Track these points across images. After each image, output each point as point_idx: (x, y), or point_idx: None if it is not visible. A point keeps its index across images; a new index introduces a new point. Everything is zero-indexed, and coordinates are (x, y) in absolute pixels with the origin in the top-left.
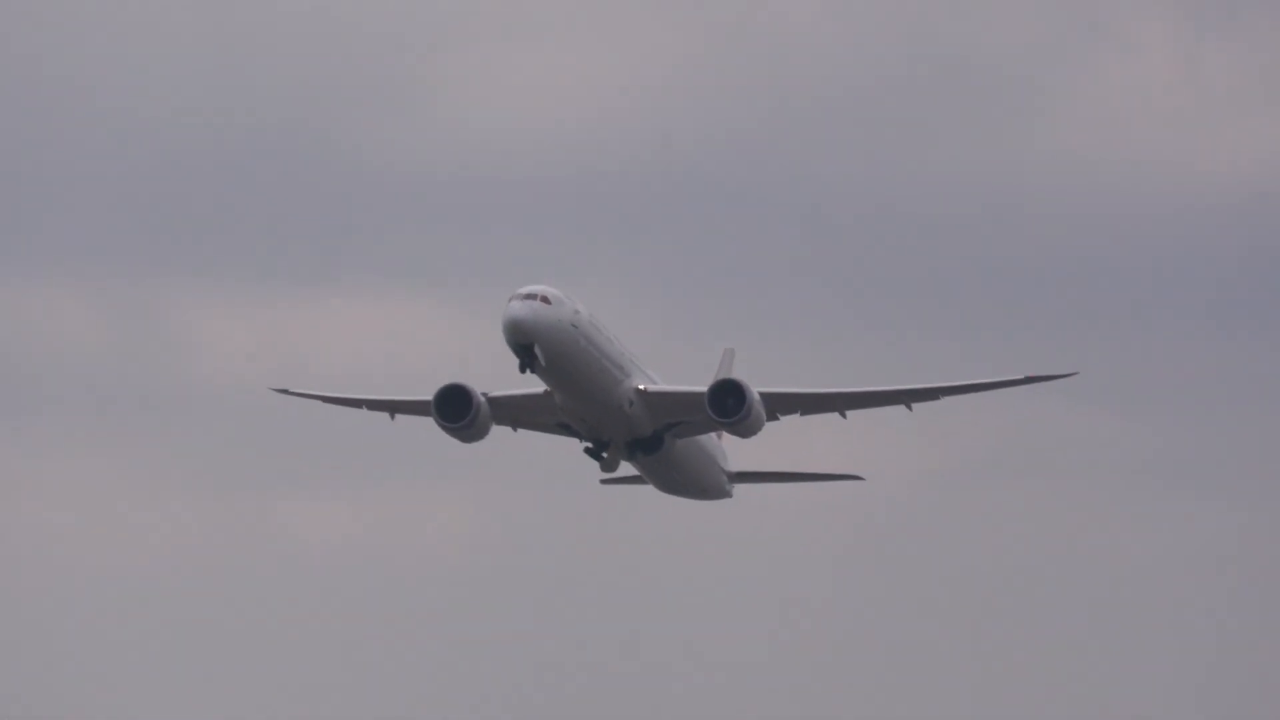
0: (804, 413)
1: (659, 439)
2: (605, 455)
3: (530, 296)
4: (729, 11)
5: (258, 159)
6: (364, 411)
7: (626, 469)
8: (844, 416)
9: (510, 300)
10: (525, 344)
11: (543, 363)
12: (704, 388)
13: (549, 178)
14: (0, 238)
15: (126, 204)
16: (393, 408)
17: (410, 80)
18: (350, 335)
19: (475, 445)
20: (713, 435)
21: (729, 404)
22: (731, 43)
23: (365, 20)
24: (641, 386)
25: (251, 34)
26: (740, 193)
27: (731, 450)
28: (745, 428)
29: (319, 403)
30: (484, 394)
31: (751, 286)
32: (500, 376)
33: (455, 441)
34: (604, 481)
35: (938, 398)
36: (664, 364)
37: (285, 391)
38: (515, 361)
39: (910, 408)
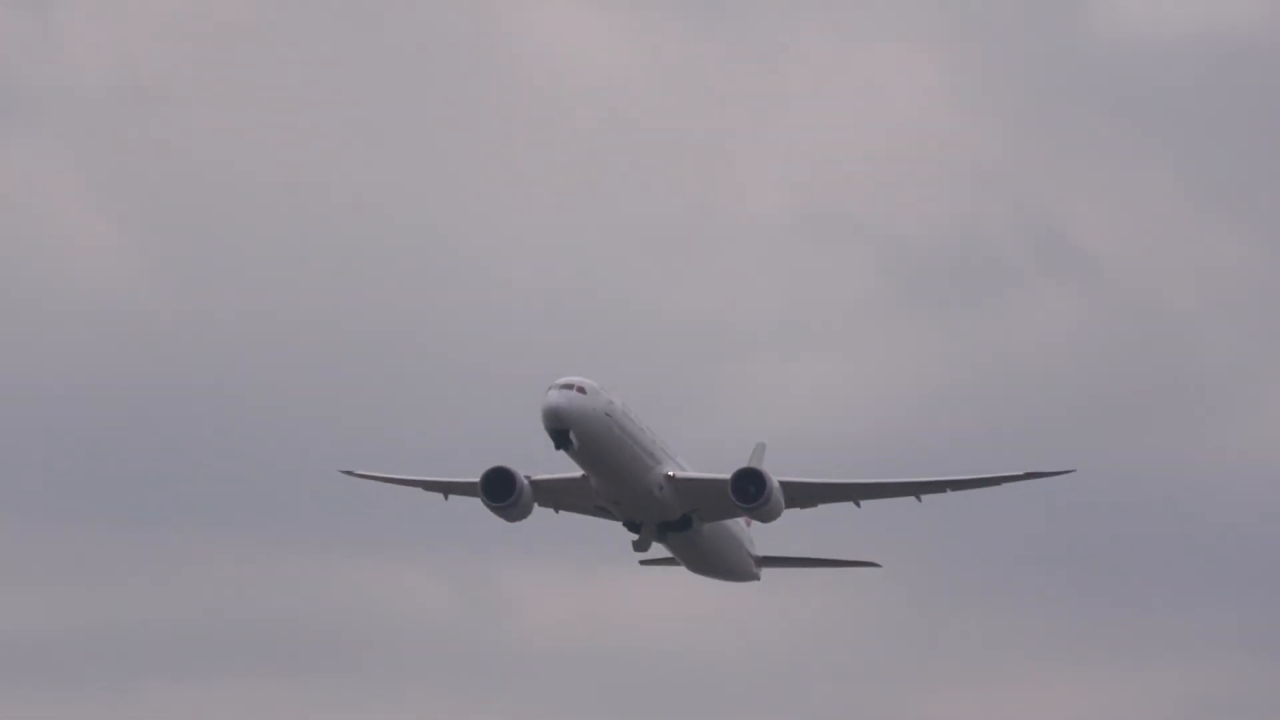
0: (823, 502)
1: (687, 521)
2: (638, 536)
3: (567, 386)
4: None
5: None
6: (420, 491)
7: (662, 551)
8: (858, 506)
9: (549, 390)
10: (561, 430)
11: (576, 446)
12: (728, 475)
13: None
14: None
15: None
16: (446, 488)
17: None
18: None
19: (519, 524)
20: (739, 521)
21: (750, 490)
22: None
23: None
24: (671, 473)
25: None
26: None
27: (761, 537)
28: (765, 513)
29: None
30: (527, 476)
31: None
32: (548, 461)
33: (500, 520)
34: (643, 563)
35: (945, 490)
36: (697, 454)
37: (351, 473)
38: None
39: (920, 499)
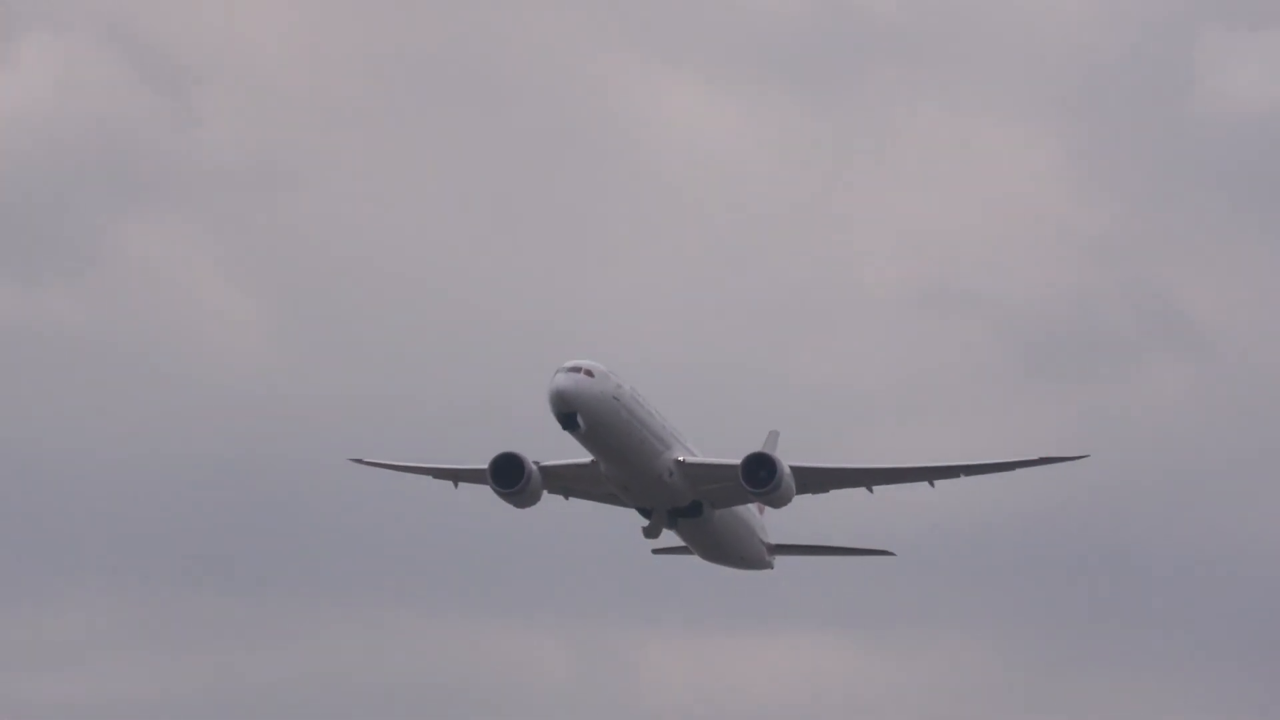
0: (834, 488)
1: (698, 507)
2: (649, 522)
3: (575, 369)
4: None
5: None
6: (430, 479)
7: (675, 540)
8: (870, 491)
9: (556, 373)
10: (568, 413)
11: (583, 429)
12: (738, 460)
13: None
14: None
15: None
16: (455, 476)
17: None
18: None
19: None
20: (751, 508)
21: (761, 475)
22: None
23: None
24: (681, 458)
25: None
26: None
27: (772, 525)
28: (776, 498)
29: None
30: (536, 462)
31: None
32: (560, 448)
33: (509, 507)
34: (655, 552)
35: (958, 475)
36: (711, 442)
37: (360, 461)
38: (568, 438)
39: (933, 484)
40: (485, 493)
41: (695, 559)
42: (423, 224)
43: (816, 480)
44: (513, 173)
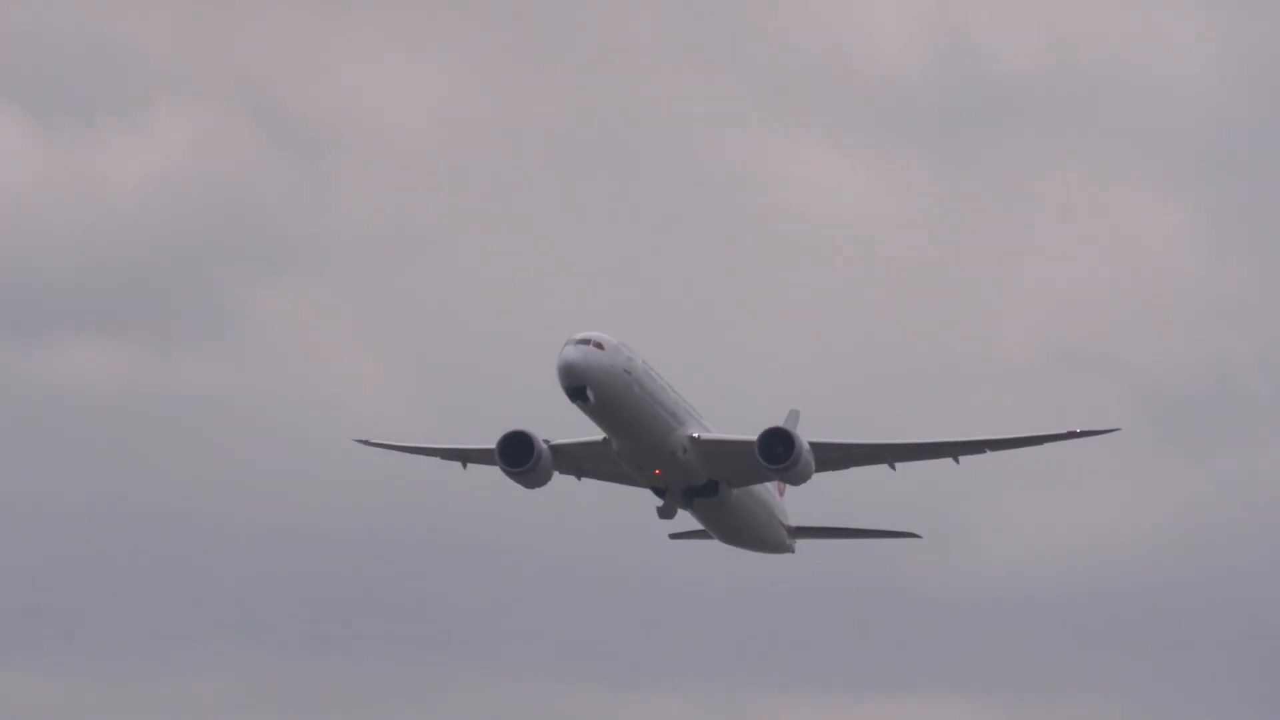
0: (855, 464)
1: (714, 486)
2: (663, 502)
3: (584, 341)
4: None
5: None
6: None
7: (692, 524)
8: (893, 468)
9: (565, 345)
10: (578, 386)
11: (593, 403)
12: (755, 436)
13: None
14: None
15: None
16: (464, 457)
17: None
18: None
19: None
20: (769, 488)
21: (779, 451)
22: None
23: None
24: (695, 434)
25: None
26: None
27: (793, 507)
28: (794, 475)
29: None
30: (546, 441)
31: None
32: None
33: (519, 487)
34: (672, 536)
35: (984, 451)
36: (728, 419)
37: (366, 442)
38: (579, 416)
39: (957, 460)
40: (496, 475)
41: (713, 543)
42: (553, 289)
43: (837, 456)
44: (641, 237)
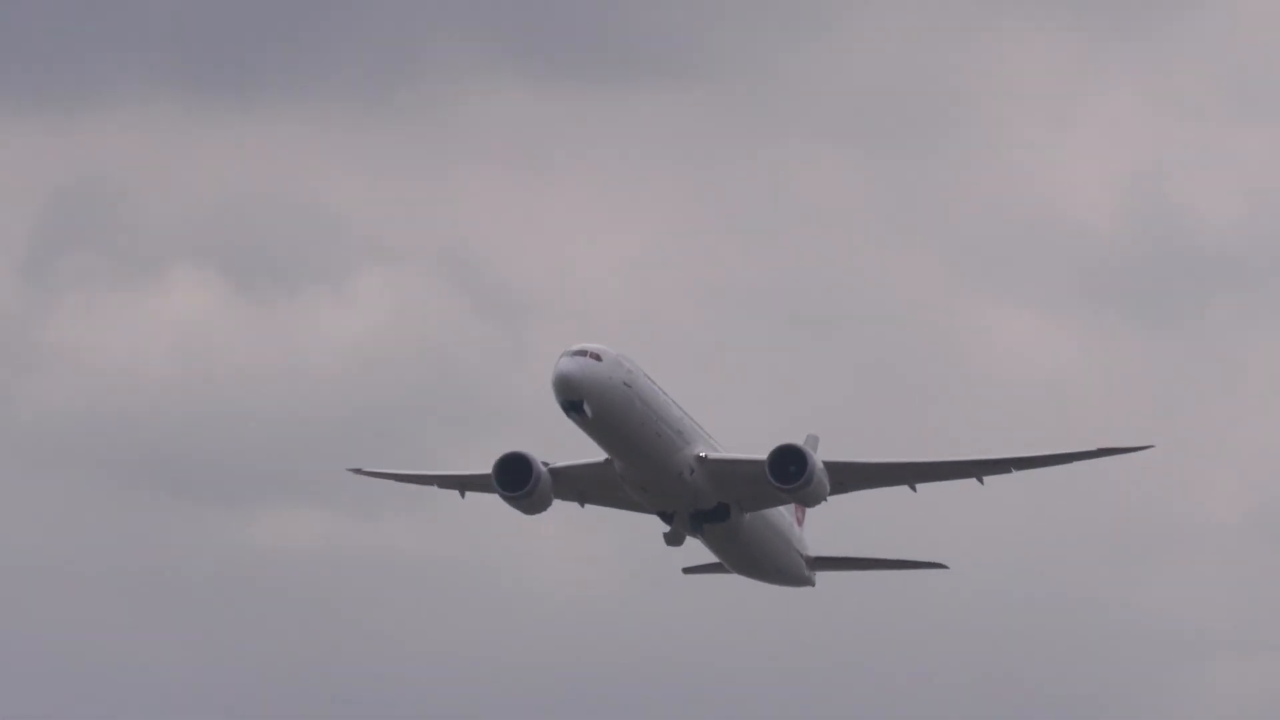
0: (873, 485)
1: (724, 510)
2: (670, 528)
3: (580, 353)
4: None
5: None
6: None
7: (706, 556)
8: (914, 490)
9: (560, 357)
10: (574, 400)
11: (590, 417)
12: (765, 455)
13: None
14: None
15: None
16: (461, 484)
17: None
18: None
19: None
20: (785, 514)
21: (791, 470)
22: None
23: None
24: (703, 453)
25: None
26: None
27: (814, 537)
28: (807, 495)
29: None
30: (545, 463)
31: None
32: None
33: (518, 514)
34: (686, 571)
35: (1010, 470)
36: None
37: (360, 471)
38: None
39: (982, 481)
40: (496, 503)
41: (731, 577)
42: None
43: (853, 476)
44: (840, 400)
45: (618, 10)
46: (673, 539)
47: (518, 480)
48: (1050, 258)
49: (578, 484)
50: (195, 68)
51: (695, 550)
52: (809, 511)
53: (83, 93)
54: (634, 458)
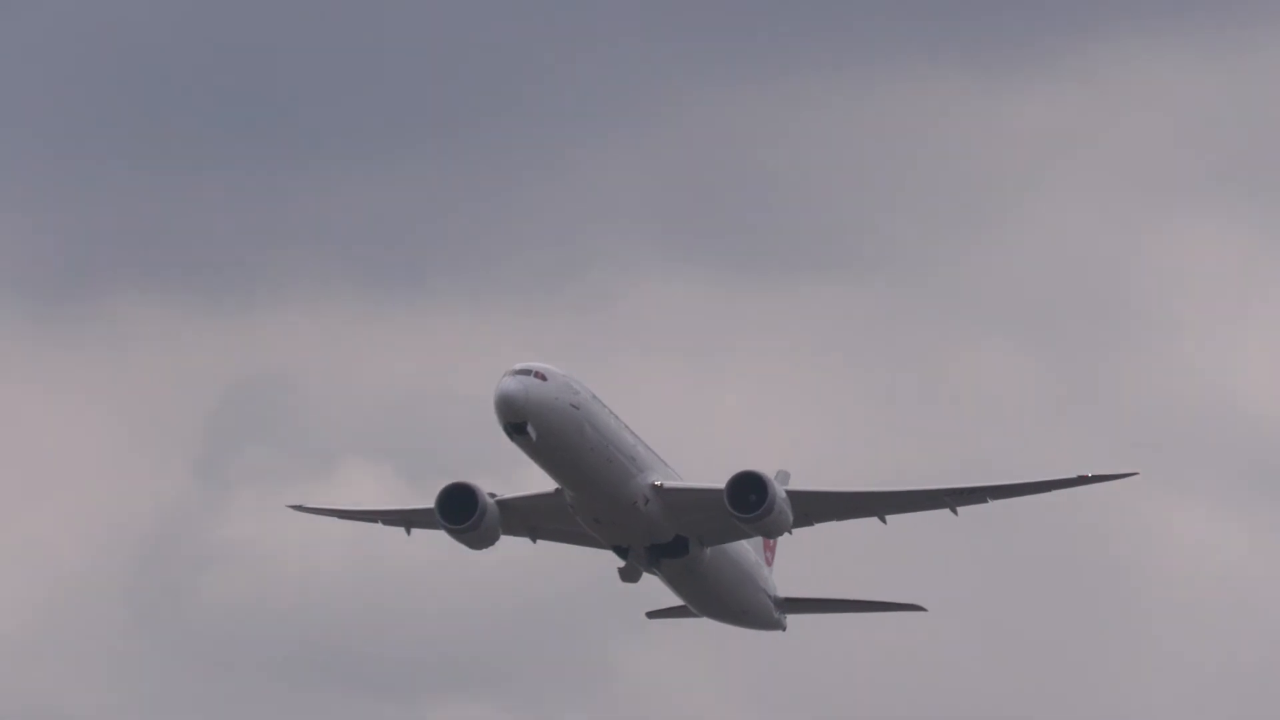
0: (839, 517)
1: (683, 544)
2: (625, 563)
3: (524, 372)
4: None
5: None
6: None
7: (671, 599)
8: (884, 522)
9: (503, 376)
10: (518, 423)
11: (534, 440)
12: (724, 484)
13: None
14: None
15: None
16: (406, 519)
17: None
18: None
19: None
20: (751, 552)
21: (751, 499)
22: None
23: None
24: (658, 482)
25: None
26: None
27: (785, 577)
28: (768, 525)
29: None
30: (492, 494)
31: None
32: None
33: (465, 548)
34: (650, 615)
35: (985, 500)
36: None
37: (300, 508)
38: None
39: (955, 511)
40: (443, 540)
41: (697, 622)
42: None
43: (818, 507)
44: (1021, 598)
45: (785, 203)
46: (628, 574)
47: (462, 513)
48: (1224, 451)
49: (528, 517)
50: (366, 263)
51: (659, 593)
52: (779, 549)
53: (255, 289)
54: (584, 486)
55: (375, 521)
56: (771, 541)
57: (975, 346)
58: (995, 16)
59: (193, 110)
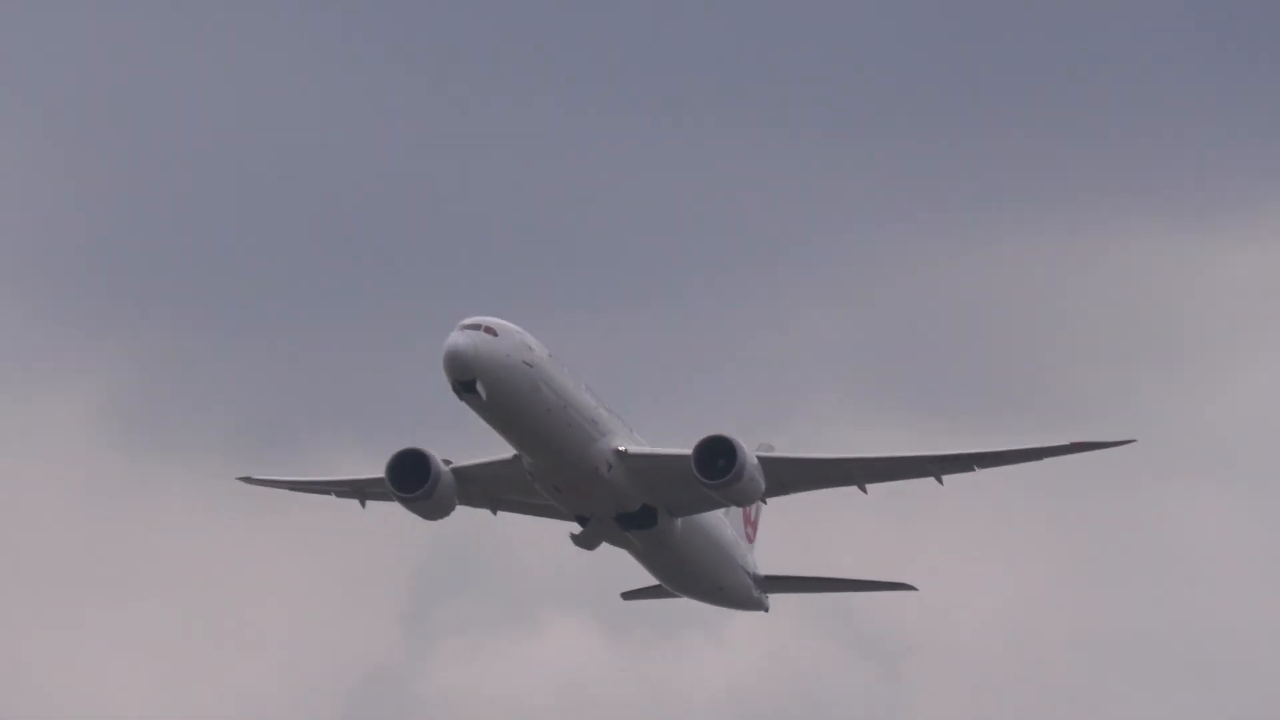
0: (817, 486)
1: (651, 514)
2: (584, 530)
3: (474, 327)
4: None
5: None
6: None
7: (647, 578)
8: (864, 491)
9: (451, 331)
10: (466, 380)
11: (484, 399)
12: (691, 448)
13: None
14: None
15: None
16: (359, 491)
17: None
18: None
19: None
20: (728, 527)
21: (719, 465)
22: None
23: None
24: (622, 447)
25: None
26: None
27: (769, 556)
28: (737, 492)
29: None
30: (447, 461)
31: None
32: None
33: (420, 519)
34: (625, 596)
35: (972, 468)
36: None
37: (249, 480)
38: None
39: (941, 480)
40: (399, 513)
41: (677, 602)
42: None
43: (793, 474)
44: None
45: (990, 355)
46: (585, 540)
47: (415, 480)
48: None
49: (486, 486)
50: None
51: (634, 573)
52: (762, 526)
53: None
54: (542, 450)
55: (329, 494)
56: (752, 516)
57: (1190, 503)
58: (1205, 169)
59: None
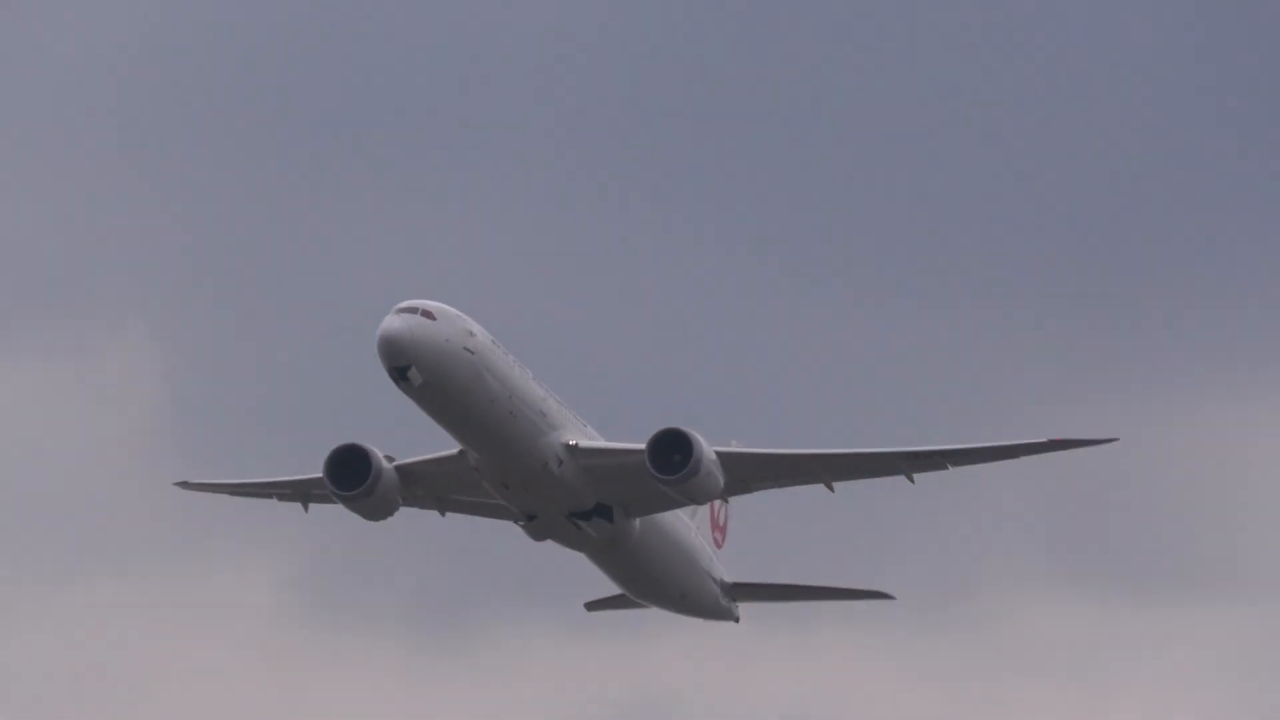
0: (781, 483)
1: (606, 513)
2: (531, 520)
3: (410, 310)
4: None
5: None
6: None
7: (611, 587)
8: (831, 489)
9: (386, 316)
10: (400, 366)
11: (418, 385)
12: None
13: None
14: None
15: None
16: (301, 494)
17: None
18: None
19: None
20: (691, 531)
21: (675, 460)
22: None
23: None
24: (572, 442)
25: None
26: None
27: (738, 564)
28: (693, 488)
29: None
30: (389, 458)
31: None
32: None
33: (362, 520)
34: (589, 607)
35: (945, 466)
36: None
37: (186, 485)
38: None
39: (912, 479)
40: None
41: (644, 613)
42: None
43: (755, 471)
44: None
45: (1170, 524)
46: (535, 531)
47: (355, 478)
48: None
49: (431, 484)
50: None
51: (597, 582)
52: (731, 532)
53: None
54: (486, 443)
55: (269, 497)
56: (721, 521)
57: None
58: None
59: None
